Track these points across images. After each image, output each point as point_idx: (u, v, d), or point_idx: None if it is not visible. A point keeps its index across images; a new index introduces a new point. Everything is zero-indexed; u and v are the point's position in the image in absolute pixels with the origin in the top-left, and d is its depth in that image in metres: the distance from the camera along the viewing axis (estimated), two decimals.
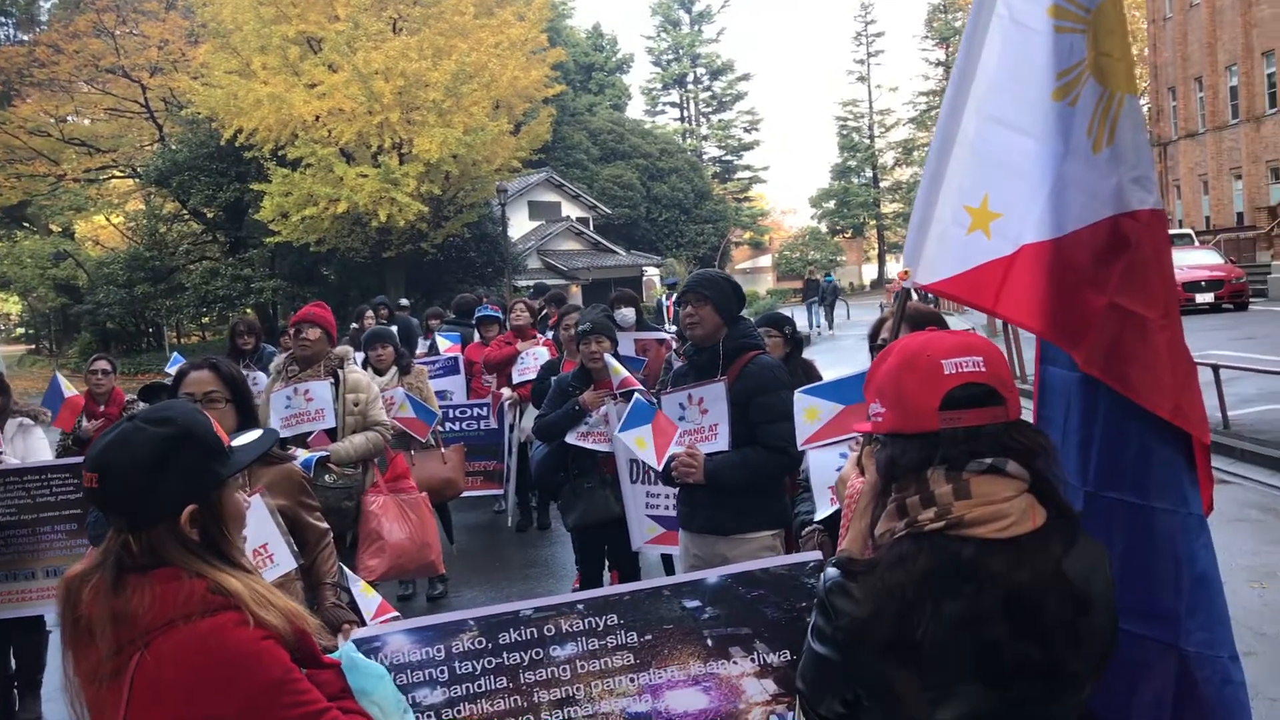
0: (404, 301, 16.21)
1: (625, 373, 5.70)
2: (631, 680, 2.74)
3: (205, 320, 40.74)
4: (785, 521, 4.30)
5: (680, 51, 67.79)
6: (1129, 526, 2.51)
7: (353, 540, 5.81)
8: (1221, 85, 39.03)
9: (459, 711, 2.66)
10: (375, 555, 5.81)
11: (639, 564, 5.97)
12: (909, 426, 1.83)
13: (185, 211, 36.30)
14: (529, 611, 2.78)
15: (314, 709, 1.90)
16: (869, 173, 69.48)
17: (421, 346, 10.66)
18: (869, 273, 72.20)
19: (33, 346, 56.21)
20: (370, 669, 2.10)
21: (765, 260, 71.51)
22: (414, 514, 6.02)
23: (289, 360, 5.84)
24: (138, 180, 38.12)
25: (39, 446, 5.90)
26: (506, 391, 8.85)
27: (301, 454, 5.18)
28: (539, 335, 9.10)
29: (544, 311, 10.57)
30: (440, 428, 8.09)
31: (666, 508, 5.51)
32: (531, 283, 23.93)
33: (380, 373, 7.26)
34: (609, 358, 5.76)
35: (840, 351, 23.71)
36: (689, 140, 66.24)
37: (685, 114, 70.35)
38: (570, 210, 44.09)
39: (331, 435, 5.61)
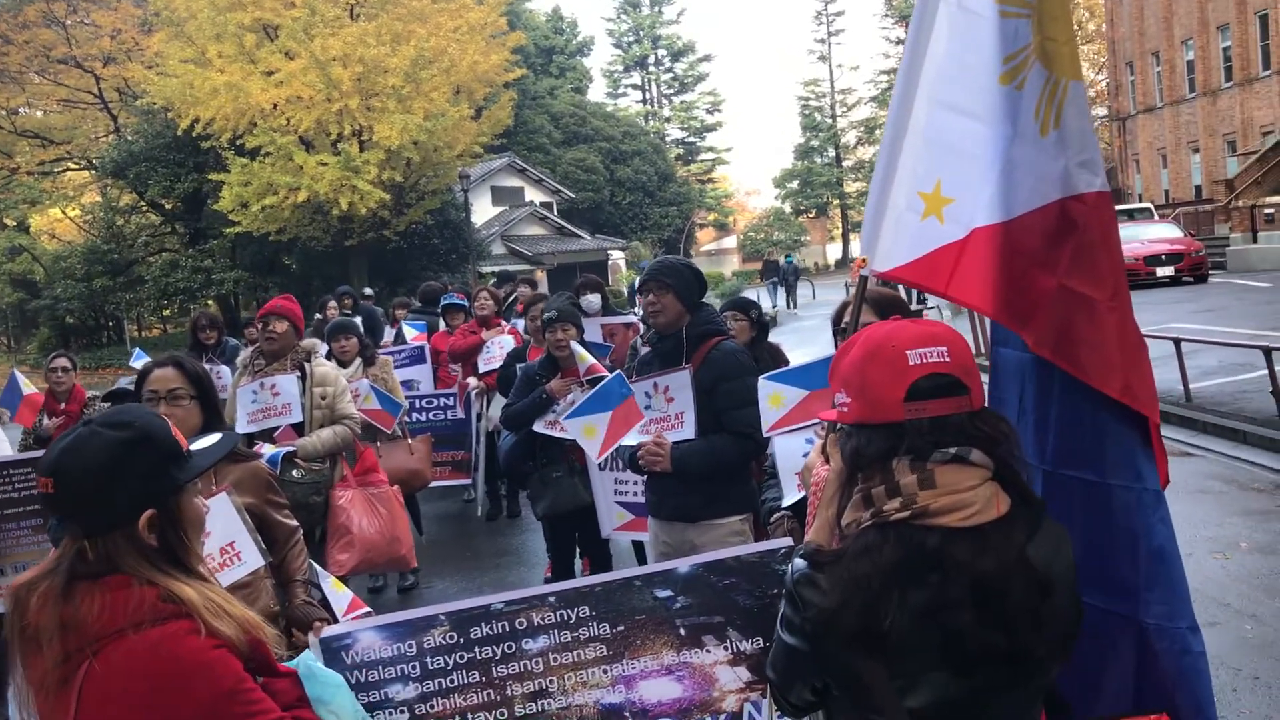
0: (368, 291, 16.09)
1: (592, 360, 5.69)
2: (605, 671, 2.75)
3: (166, 313, 40.26)
4: (753, 506, 4.32)
5: (641, 33, 67.56)
6: (1087, 503, 2.55)
7: (322, 535, 5.78)
8: (1178, 59, 39.46)
9: (432, 706, 2.66)
10: (345, 550, 5.77)
11: (610, 551, 5.98)
12: (874, 417, 1.84)
13: (143, 203, 35.85)
14: (500, 605, 2.78)
15: (267, 718, 1.88)
16: (832, 152, 69.64)
17: (388, 336, 10.60)
18: (833, 252, 72.46)
19: None
20: (328, 678, 2.09)
21: (730, 242, 71.61)
22: (384, 508, 5.99)
23: (255, 354, 5.79)
24: (93, 172, 37.62)
25: (6, 447, 5.84)
26: (473, 381, 8.83)
27: (268, 449, 5.14)
28: (504, 323, 9.07)
29: (513, 297, 10.53)
30: (407, 418, 8.06)
31: (635, 494, 5.52)
32: (496, 269, 23.83)
33: (344, 364, 7.20)
34: (575, 345, 5.75)
35: (805, 333, 23.81)
36: (652, 123, 66.12)
37: (647, 96, 70.21)
38: (534, 195, 43.92)
39: (299, 430, 5.56)
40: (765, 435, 3.66)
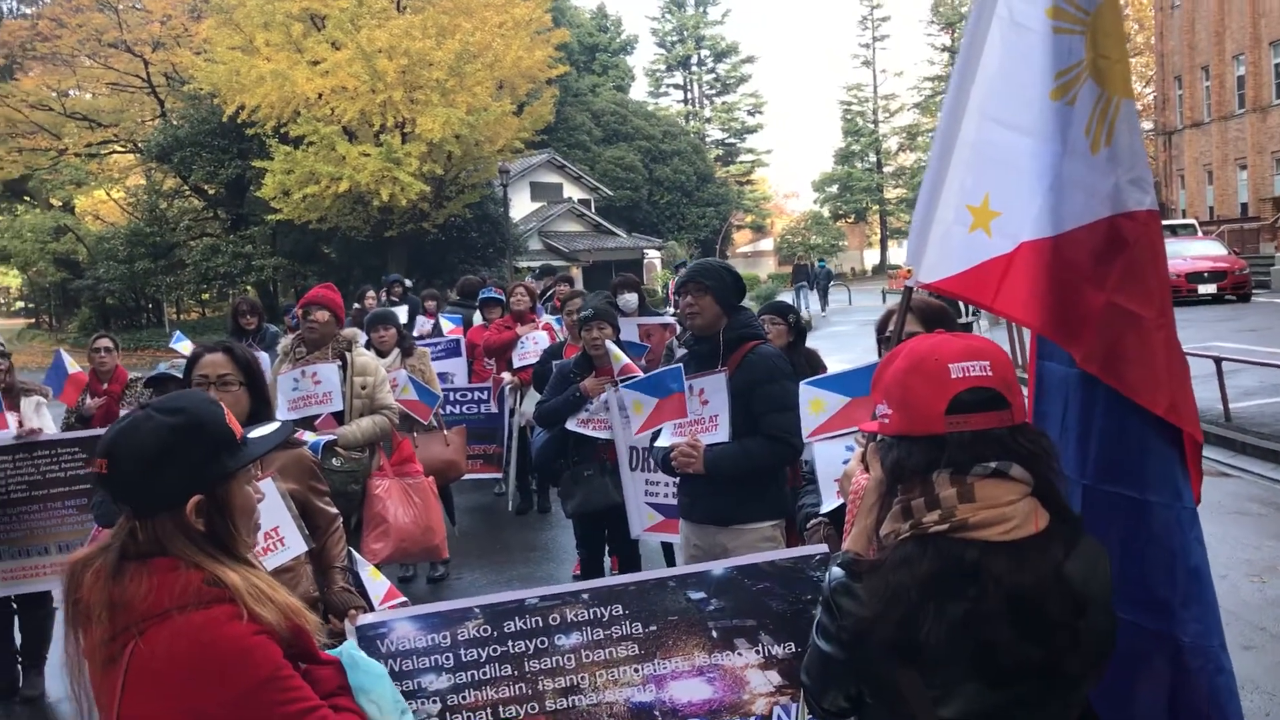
0: (407, 282, 16.23)
1: (626, 359, 5.72)
2: (636, 670, 2.77)
3: (205, 297, 40.76)
4: (785, 512, 4.32)
5: (685, 33, 67.46)
6: (1126, 519, 2.56)
7: (357, 523, 5.84)
8: (1228, 74, 38.89)
9: (464, 698, 2.70)
10: (379, 538, 5.84)
11: (639, 551, 6.00)
12: (915, 429, 1.86)
13: (186, 188, 36.29)
14: (534, 600, 2.81)
15: (303, 706, 1.90)
16: (872, 157, 69.22)
17: (419, 326, 10.67)
18: (871, 258, 72.05)
19: (32, 320, 56.22)
20: (371, 667, 2.12)
21: (767, 244, 71.36)
22: (419, 498, 6.05)
23: (297, 342, 5.86)
24: (139, 155, 38.09)
25: (51, 426, 5.96)
26: (507, 376, 8.88)
27: (309, 437, 5.20)
28: (538, 319, 9.12)
29: (549, 292, 10.57)
30: (441, 410, 8.13)
31: (666, 495, 5.53)
32: (536, 264, 23.89)
33: (382, 354, 7.28)
34: (610, 344, 5.78)
35: (839, 339, 23.70)
36: (692, 123, 66.00)
37: (689, 96, 70.10)
38: (572, 192, 44.02)
39: (339, 418, 5.63)
40: (805, 441, 3.67)
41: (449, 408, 8.77)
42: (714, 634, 2.81)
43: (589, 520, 5.94)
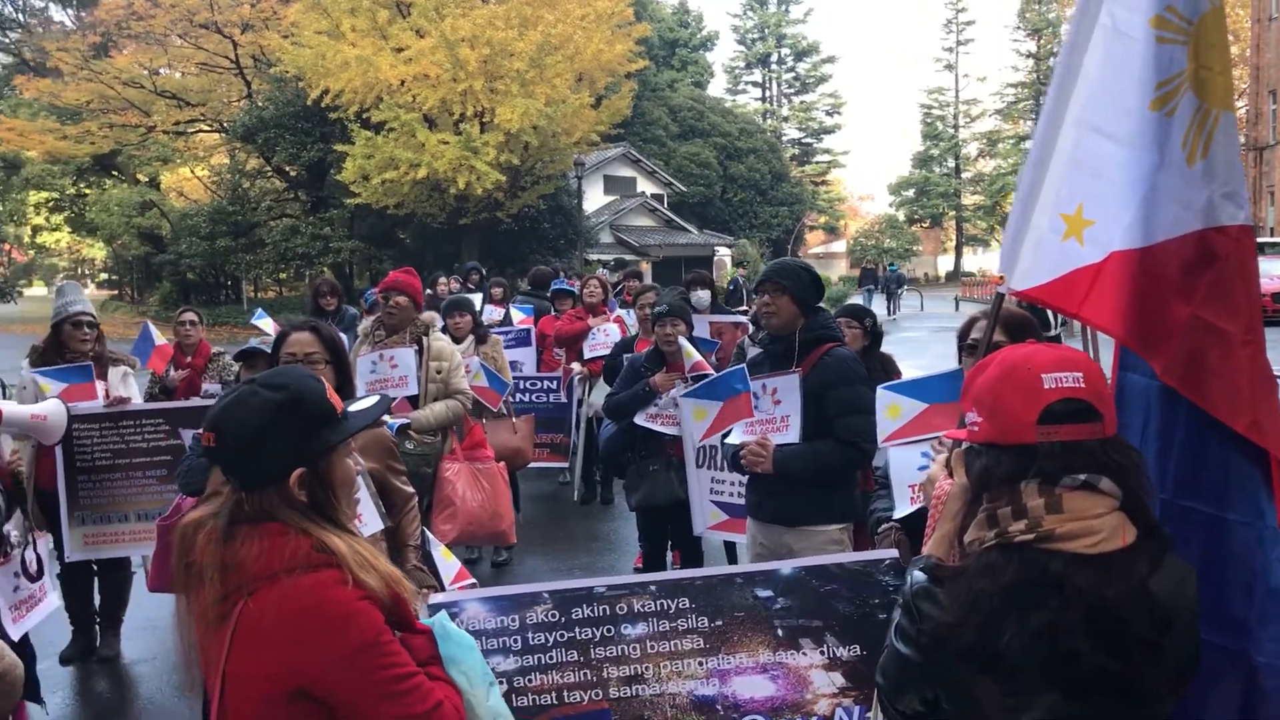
0: (484, 270, 16.45)
1: (698, 356, 5.73)
2: (700, 664, 2.79)
3: (282, 276, 41.50)
4: (854, 516, 4.30)
5: (765, 31, 67.15)
6: (1204, 535, 2.53)
7: (428, 505, 5.93)
8: None
9: (530, 680, 2.74)
10: (448, 520, 5.92)
11: (701, 548, 6.00)
12: (1005, 438, 1.84)
13: (268, 168, 36.98)
14: (603, 589, 2.85)
15: (402, 672, 1.95)
16: (951, 163, 68.31)
17: (488, 315, 10.79)
18: (945, 264, 71.13)
19: (115, 292, 57.85)
20: (461, 639, 2.16)
21: (839, 246, 70.77)
22: (487, 483, 6.12)
23: (376, 325, 5.96)
24: (224, 135, 38.89)
25: (137, 395, 6.12)
26: (576, 366, 8.95)
27: (385, 419, 5.29)
28: (610, 311, 9.17)
29: (620, 286, 10.63)
30: (510, 398, 8.21)
31: (731, 494, 5.52)
32: (608, 257, 24.00)
33: (457, 340, 7.37)
34: (683, 341, 5.79)
35: (911, 344, 23.40)
36: (769, 121, 65.69)
37: (767, 94, 69.79)
38: (645, 186, 44.07)
39: (414, 402, 5.72)
40: (881, 445, 3.65)
41: (518, 396, 8.86)
42: (779, 632, 2.82)
43: (652, 515, 5.96)
